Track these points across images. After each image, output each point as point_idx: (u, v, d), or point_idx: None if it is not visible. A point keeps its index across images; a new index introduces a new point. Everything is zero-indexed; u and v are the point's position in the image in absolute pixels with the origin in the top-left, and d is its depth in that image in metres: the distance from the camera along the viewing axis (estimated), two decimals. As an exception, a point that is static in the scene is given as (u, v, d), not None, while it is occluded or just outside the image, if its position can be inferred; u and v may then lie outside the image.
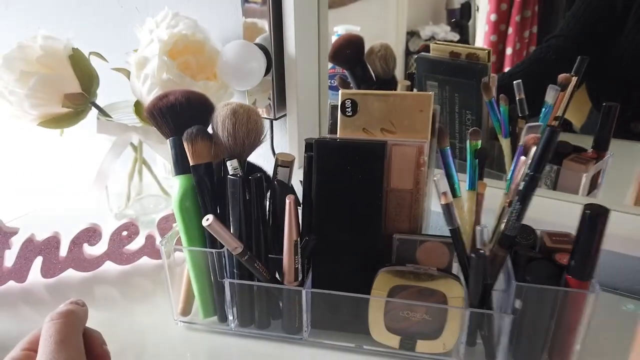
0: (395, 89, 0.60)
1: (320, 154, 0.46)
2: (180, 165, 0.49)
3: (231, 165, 0.45)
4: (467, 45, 0.66)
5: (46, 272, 0.58)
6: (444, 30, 0.77)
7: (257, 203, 0.46)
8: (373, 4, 0.78)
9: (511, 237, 0.44)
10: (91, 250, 0.60)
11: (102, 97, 0.65)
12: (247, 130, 0.47)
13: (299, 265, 0.47)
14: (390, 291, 0.46)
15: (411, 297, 0.46)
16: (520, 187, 0.42)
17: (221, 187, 0.48)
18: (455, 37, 0.75)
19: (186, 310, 0.52)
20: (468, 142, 0.49)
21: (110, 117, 0.64)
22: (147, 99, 0.56)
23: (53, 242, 0.58)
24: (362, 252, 0.47)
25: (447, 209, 0.43)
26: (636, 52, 0.61)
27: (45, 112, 0.59)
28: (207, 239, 0.48)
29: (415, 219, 0.48)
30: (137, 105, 0.61)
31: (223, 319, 0.51)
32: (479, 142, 0.49)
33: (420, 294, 0.46)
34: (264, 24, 0.62)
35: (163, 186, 0.72)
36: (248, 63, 0.60)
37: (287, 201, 0.44)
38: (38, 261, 0.58)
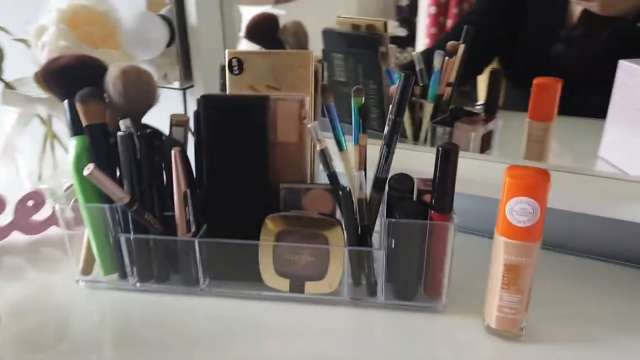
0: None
1: (206, 109, 0.49)
2: (77, 126, 0.50)
3: (123, 124, 0.47)
4: (366, 18, 0.69)
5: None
6: (392, 26, 0.81)
7: (147, 159, 0.48)
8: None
9: (382, 180, 0.48)
10: (-4, 220, 0.61)
11: (11, 74, 0.65)
12: (139, 89, 0.49)
13: (191, 217, 0.49)
14: (277, 236, 0.49)
15: (297, 241, 0.49)
16: (386, 133, 0.46)
17: (116, 149, 0.50)
18: (404, 32, 0.79)
19: (87, 270, 0.54)
20: (352, 99, 0.53)
21: (15, 90, 0.65)
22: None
23: None
24: (252, 202, 0.50)
25: (322, 155, 0.47)
26: (539, 32, 0.67)
27: None
28: (104, 196, 0.50)
29: (301, 170, 0.52)
30: (37, 75, 0.61)
31: (123, 275, 0.53)
32: (362, 99, 0.53)
33: (305, 237, 0.49)
34: (167, -3, 0.65)
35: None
36: (148, 31, 0.62)
37: (173, 152, 0.47)
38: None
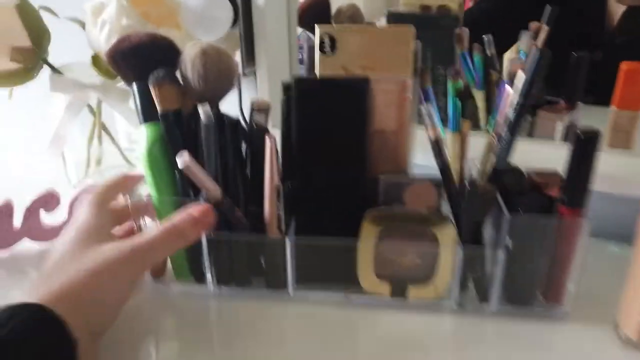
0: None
1: (300, 93, 0.43)
2: (148, 112, 0.45)
3: (204, 111, 0.42)
4: None
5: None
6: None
7: (233, 149, 0.43)
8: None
9: (501, 171, 0.43)
10: (49, 219, 0.55)
11: (52, 59, 0.59)
12: (219, 71, 0.44)
13: (282, 213, 0.44)
14: (379, 234, 0.43)
15: (402, 240, 0.43)
16: (510, 117, 0.41)
17: (192, 137, 0.44)
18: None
19: (159, 272, 0.48)
20: (449, 82, 0.48)
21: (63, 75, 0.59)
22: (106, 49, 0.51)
23: (6, 209, 0.53)
24: (347, 196, 0.45)
25: (436, 145, 0.41)
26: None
27: None
28: (180, 189, 0.45)
29: (400, 161, 0.46)
30: (95, 58, 0.57)
31: (200, 279, 0.47)
32: (460, 82, 0.47)
33: (410, 236, 0.43)
34: (230, -27, 0.59)
35: (127, 156, 0.67)
36: (213, 11, 0.57)
37: (267, 141, 0.41)
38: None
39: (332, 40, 0.45)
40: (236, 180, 0.44)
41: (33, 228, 0.54)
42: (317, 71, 0.46)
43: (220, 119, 0.43)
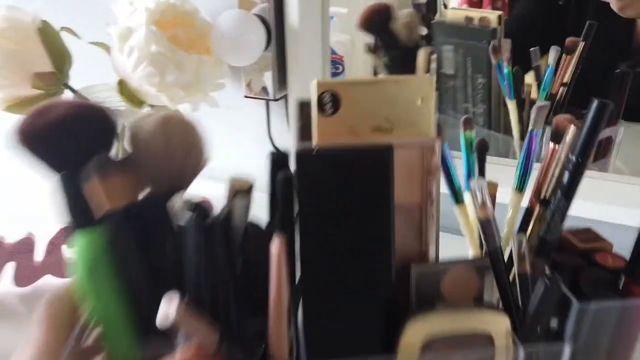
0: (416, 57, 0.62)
1: (305, 171, 0.32)
2: (80, 214, 0.31)
3: (179, 204, 0.29)
4: (479, 10, 0.67)
5: (20, 279, 0.52)
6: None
7: (225, 256, 0.30)
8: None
9: (552, 243, 0.35)
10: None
11: (73, 82, 0.55)
12: (188, 145, 0.31)
13: (294, 343, 0.32)
14: (425, 346, 0.34)
15: (451, 347, 0.34)
16: (564, 179, 0.34)
17: (146, 242, 0.31)
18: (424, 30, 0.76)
19: None
20: (461, 132, 0.40)
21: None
22: (134, 76, 0.50)
23: (27, 244, 0.52)
24: (370, 296, 0.35)
25: (488, 225, 0.33)
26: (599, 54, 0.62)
27: (12, 94, 0.53)
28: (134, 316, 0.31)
29: (427, 240, 0.37)
30: (121, 84, 0.54)
31: None
32: (474, 133, 0.40)
33: (458, 341, 0.34)
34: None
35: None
36: (246, 35, 0.53)
37: (275, 247, 0.30)
38: (10, 268, 0.53)
39: (335, 98, 0.34)
40: (228, 300, 0.31)
41: (56, 264, 0.52)
42: (314, 137, 0.35)
43: (202, 214, 0.30)
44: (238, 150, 0.60)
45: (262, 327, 0.32)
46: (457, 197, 0.40)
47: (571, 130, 0.34)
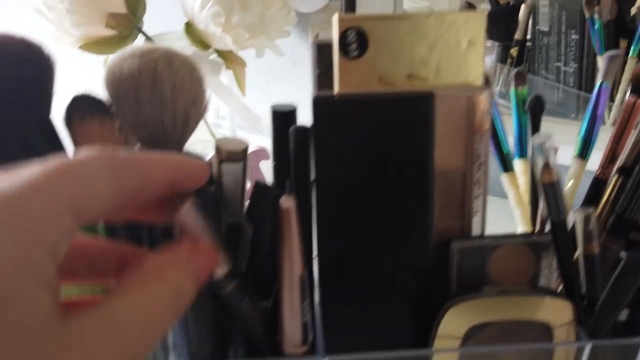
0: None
1: (324, 123, 0.27)
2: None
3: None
4: None
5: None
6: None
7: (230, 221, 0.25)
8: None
9: (630, 222, 0.29)
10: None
11: (147, 28, 0.56)
12: (193, 93, 0.26)
13: (308, 318, 0.27)
14: (466, 334, 0.28)
15: (497, 338, 0.28)
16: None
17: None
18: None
19: None
20: (512, 89, 0.34)
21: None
22: (201, 17, 0.51)
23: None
24: (402, 278, 0.29)
25: (553, 191, 0.27)
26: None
27: (87, 32, 0.53)
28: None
29: (471, 213, 0.31)
30: (189, 26, 0.54)
31: None
32: (526, 89, 0.34)
33: (508, 330, 0.28)
34: None
35: (213, 132, 0.59)
36: None
37: (284, 209, 0.24)
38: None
39: (361, 37, 0.29)
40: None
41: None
42: (336, 86, 0.29)
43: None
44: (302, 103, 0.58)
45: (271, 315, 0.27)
46: (506, 164, 0.34)
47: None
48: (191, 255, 0.18)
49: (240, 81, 0.57)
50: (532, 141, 0.27)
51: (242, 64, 0.56)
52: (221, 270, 0.23)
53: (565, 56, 0.62)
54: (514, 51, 0.65)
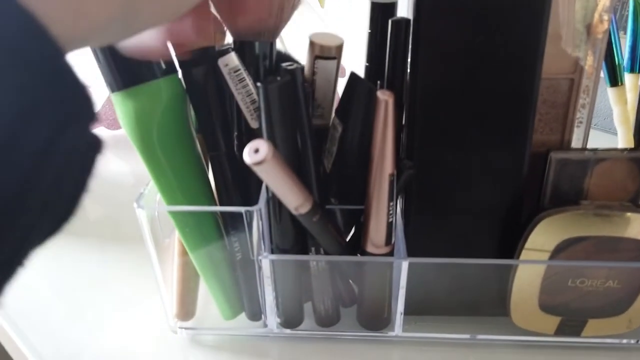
0: None
1: (426, 14, 0.25)
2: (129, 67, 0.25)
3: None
4: None
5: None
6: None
7: (307, 120, 0.24)
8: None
9: None
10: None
11: None
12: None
13: (394, 218, 0.27)
14: (557, 248, 0.27)
15: (589, 254, 0.27)
16: None
17: (219, 97, 0.26)
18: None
19: (186, 312, 0.31)
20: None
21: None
22: None
23: None
24: (494, 182, 0.28)
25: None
26: None
27: None
28: (221, 192, 0.27)
29: (572, 124, 0.29)
30: None
31: (256, 316, 0.31)
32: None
33: (602, 246, 0.27)
34: None
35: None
36: None
37: (382, 101, 0.23)
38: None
39: None
40: (309, 167, 0.26)
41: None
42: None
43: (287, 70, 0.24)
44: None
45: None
46: (615, 77, 0.31)
47: None
48: None
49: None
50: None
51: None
52: (304, 208, 0.23)
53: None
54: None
